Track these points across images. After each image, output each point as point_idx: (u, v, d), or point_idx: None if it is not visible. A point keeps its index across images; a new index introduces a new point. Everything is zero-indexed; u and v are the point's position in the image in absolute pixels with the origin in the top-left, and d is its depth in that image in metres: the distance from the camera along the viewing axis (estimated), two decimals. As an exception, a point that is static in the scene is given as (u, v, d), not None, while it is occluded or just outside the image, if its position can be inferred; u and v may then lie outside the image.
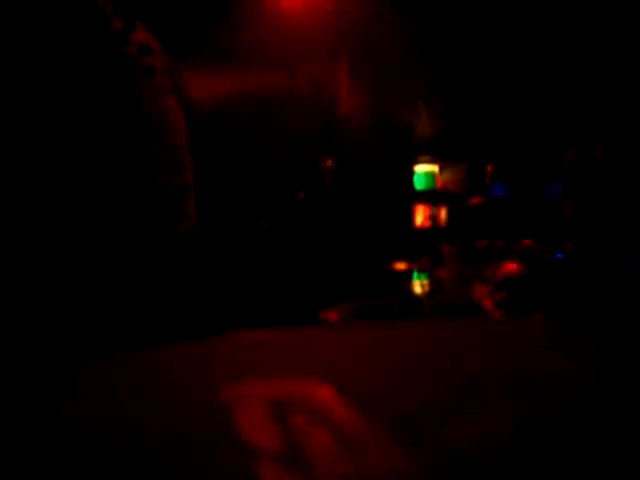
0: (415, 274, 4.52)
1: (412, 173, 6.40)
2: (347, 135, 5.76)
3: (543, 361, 0.78)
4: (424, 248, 4.99)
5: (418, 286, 4.33)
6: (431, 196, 6.47)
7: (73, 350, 1.65)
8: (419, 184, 6.51)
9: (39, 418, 0.62)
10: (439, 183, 6.60)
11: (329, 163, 6.07)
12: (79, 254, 1.83)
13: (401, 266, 4.69)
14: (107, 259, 1.85)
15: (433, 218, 6.35)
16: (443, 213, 6.37)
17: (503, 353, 0.82)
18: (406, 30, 5.88)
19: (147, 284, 1.89)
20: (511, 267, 3.47)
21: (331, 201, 5.80)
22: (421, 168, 6.54)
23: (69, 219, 1.85)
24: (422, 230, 6.14)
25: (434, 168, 6.59)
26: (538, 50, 5.60)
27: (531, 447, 0.54)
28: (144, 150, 1.92)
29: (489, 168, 5.98)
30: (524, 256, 3.92)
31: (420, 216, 6.38)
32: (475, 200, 5.75)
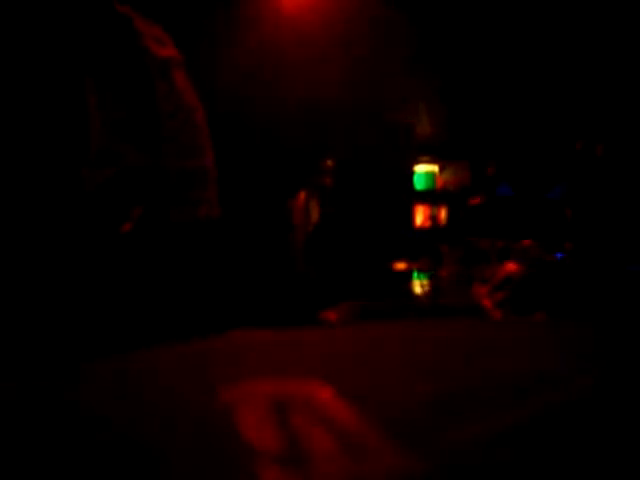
0: (415, 274, 4.53)
1: (412, 173, 6.44)
2: (347, 135, 5.78)
3: (543, 361, 0.77)
4: (424, 248, 5.00)
5: (418, 286, 4.34)
6: (431, 196, 6.50)
7: (70, 349, 1.64)
8: (419, 184, 6.54)
9: (31, 419, 0.62)
10: (439, 183, 6.62)
11: (329, 163, 6.08)
12: (83, 244, 1.81)
13: (401, 266, 4.70)
14: (114, 247, 1.83)
15: (433, 218, 6.38)
16: (443, 213, 6.40)
17: (503, 353, 0.82)
18: (406, 29, 5.89)
19: (156, 277, 1.88)
20: (511, 267, 3.47)
21: (331, 200, 5.80)
22: (421, 168, 6.57)
23: (74, 206, 1.83)
24: (422, 230, 6.16)
25: (434, 168, 6.62)
26: (540, 50, 5.62)
27: (532, 447, 0.54)
28: (158, 130, 1.90)
29: (491, 169, 6.00)
30: (524, 256, 3.94)
31: (420, 216, 6.40)
32: (475, 200, 5.77)
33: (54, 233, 1.79)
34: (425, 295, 4.12)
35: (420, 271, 4.40)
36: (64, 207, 1.82)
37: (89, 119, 1.79)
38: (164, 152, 1.91)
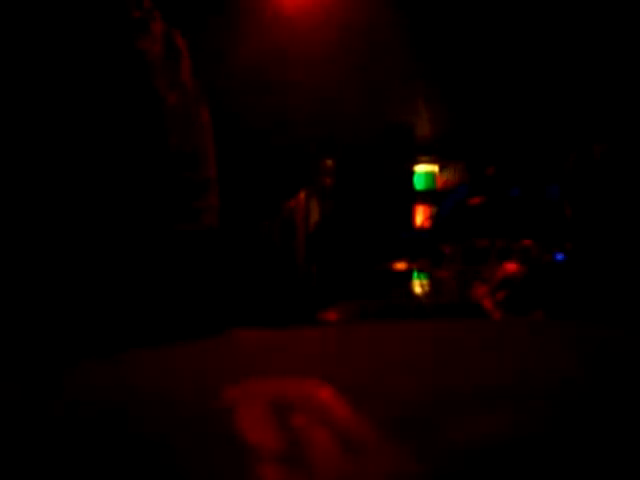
0: (415, 274, 4.52)
1: (412, 173, 6.42)
2: (347, 135, 5.78)
3: (543, 361, 0.77)
4: (424, 248, 5.00)
5: (418, 286, 4.34)
6: (431, 196, 6.48)
7: (71, 349, 1.64)
8: (419, 184, 6.52)
9: (31, 419, 0.62)
10: (439, 183, 6.62)
11: (329, 163, 6.07)
12: (89, 250, 1.81)
13: (401, 266, 4.70)
14: (119, 254, 1.83)
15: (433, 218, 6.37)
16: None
17: (503, 353, 0.82)
18: (406, 29, 5.89)
19: (159, 281, 1.88)
20: (511, 267, 3.47)
21: (331, 201, 5.80)
22: (421, 168, 6.56)
23: (79, 214, 1.83)
24: (422, 230, 6.15)
25: (434, 168, 6.61)
26: (539, 50, 5.62)
27: (531, 447, 0.54)
28: (163, 142, 1.90)
29: (491, 169, 5.99)
30: (524, 256, 3.93)
31: (420, 216, 6.39)
32: (475, 200, 5.76)
33: (57, 237, 1.79)
34: (425, 295, 4.12)
35: (420, 271, 4.39)
36: (67, 211, 1.82)
37: (93, 130, 1.79)
38: (169, 163, 1.92)
